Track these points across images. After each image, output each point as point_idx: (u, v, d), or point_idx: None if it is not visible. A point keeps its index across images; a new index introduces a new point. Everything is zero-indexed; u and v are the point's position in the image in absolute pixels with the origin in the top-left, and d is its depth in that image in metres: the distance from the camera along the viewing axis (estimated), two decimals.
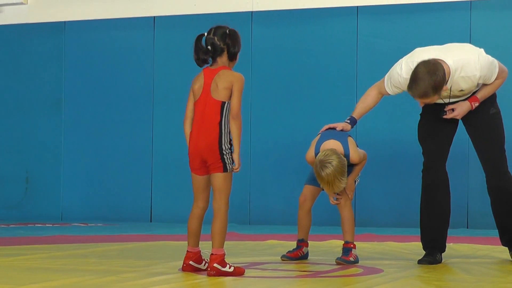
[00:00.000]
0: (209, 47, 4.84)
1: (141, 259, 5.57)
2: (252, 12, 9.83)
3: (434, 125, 5.66)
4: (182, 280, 4.61)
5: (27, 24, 10.80)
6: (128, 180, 10.30)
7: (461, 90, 5.45)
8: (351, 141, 5.55)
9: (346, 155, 5.44)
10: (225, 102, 4.80)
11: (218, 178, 4.78)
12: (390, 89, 5.61)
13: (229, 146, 4.79)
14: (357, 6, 9.56)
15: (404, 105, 8.79)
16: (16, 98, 10.81)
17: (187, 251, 4.92)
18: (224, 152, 4.78)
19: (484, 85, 5.50)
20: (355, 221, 5.72)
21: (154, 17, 10.30)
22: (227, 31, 4.87)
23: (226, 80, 4.82)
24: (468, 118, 5.59)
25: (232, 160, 4.80)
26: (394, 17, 9.46)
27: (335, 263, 5.43)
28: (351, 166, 5.60)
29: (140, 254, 6.06)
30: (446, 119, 5.58)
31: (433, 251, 5.59)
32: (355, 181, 5.67)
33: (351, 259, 5.47)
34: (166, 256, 5.82)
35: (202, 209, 4.93)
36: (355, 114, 5.71)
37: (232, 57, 4.90)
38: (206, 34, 4.88)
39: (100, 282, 4.41)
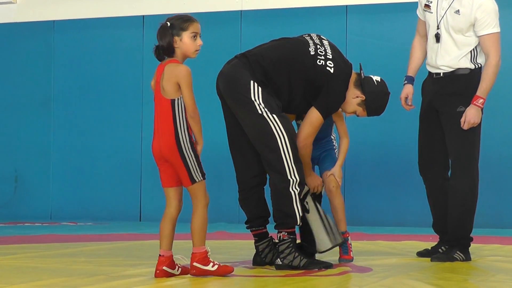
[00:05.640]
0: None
1: (131, 258, 5.57)
2: (241, 11, 9.82)
3: (425, 133, 5.66)
4: (170, 279, 4.60)
5: (16, 23, 10.77)
6: (118, 179, 10.29)
7: (456, 12, 5.40)
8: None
9: None
10: (174, 99, 4.63)
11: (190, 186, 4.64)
12: (420, 12, 5.70)
13: (189, 146, 4.59)
14: (347, 5, 9.56)
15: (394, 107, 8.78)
16: (5, 97, 10.79)
17: (160, 255, 4.67)
18: (186, 153, 4.59)
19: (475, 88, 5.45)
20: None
21: (143, 16, 10.29)
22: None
23: (170, 76, 4.70)
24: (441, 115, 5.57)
25: (198, 167, 4.61)
26: (383, 16, 9.47)
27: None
28: (330, 142, 5.61)
29: (129, 253, 6.06)
30: (436, 125, 5.56)
31: (440, 242, 5.68)
32: None
33: (352, 254, 5.44)
34: (156, 255, 5.78)
35: (175, 209, 4.70)
36: (410, 72, 5.71)
37: (165, 52, 4.81)
38: None
39: (89, 281, 4.41)
